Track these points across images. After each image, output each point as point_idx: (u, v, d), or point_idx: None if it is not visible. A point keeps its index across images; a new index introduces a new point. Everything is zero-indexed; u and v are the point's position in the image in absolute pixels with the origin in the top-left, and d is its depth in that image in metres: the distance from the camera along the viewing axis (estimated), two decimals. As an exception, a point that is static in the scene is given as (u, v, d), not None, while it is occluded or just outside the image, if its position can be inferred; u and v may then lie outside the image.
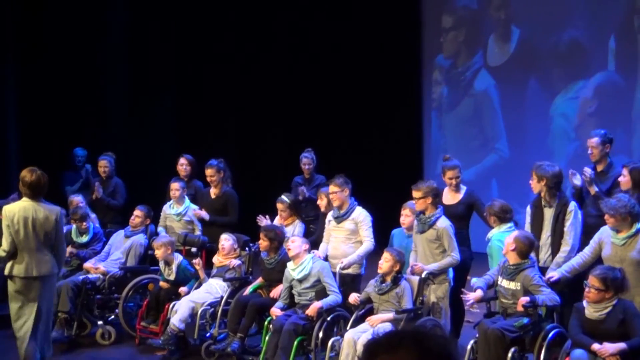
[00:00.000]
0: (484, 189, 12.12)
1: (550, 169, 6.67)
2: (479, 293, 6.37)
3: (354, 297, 6.72)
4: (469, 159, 12.19)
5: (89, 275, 8.09)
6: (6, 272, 6.38)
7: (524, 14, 12.28)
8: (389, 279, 6.61)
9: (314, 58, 12.79)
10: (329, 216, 7.51)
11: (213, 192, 8.58)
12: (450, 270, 6.89)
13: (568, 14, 11.80)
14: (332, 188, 7.38)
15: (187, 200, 8.68)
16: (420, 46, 13.06)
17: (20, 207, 6.31)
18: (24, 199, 6.37)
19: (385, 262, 6.61)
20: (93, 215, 9.06)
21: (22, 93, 11.41)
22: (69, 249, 8.35)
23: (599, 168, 7.37)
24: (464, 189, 7.51)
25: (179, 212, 8.63)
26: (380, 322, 6.45)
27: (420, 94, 12.93)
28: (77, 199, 9.07)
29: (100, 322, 8.00)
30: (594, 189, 7.07)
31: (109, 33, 12.24)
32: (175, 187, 8.60)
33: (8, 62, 11.11)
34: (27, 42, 11.27)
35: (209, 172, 8.51)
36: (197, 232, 8.50)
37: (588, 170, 7.09)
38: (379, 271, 6.66)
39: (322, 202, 7.84)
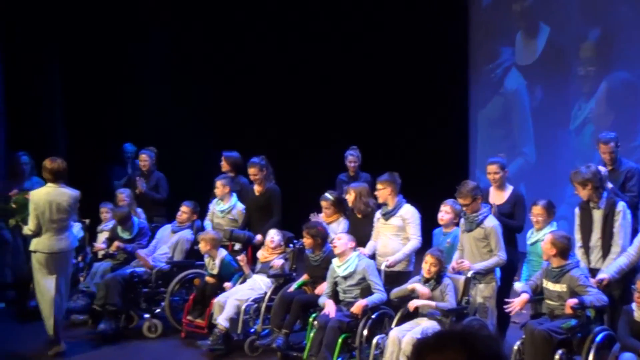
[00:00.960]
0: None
1: (588, 171, 6.59)
2: (524, 297, 6.31)
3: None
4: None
5: (137, 269, 8.19)
6: (32, 247, 7.26)
7: (553, 10, 11.87)
8: (432, 278, 6.60)
9: (360, 54, 12.76)
10: (378, 214, 7.51)
11: (257, 189, 8.61)
12: (497, 270, 6.86)
13: (599, 9, 11.36)
14: (378, 185, 7.38)
15: (234, 197, 8.69)
16: (466, 39, 12.90)
17: (45, 192, 7.23)
18: (48, 184, 7.25)
19: (432, 266, 6.57)
20: (139, 210, 9.17)
21: (67, 90, 11.55)
22: (116, 244, 8.48)
23: (609, 166, 7.41)
24: (510, 188, 7.44)
25: (224, 209, 8.67)
26: (421, 305, 6.42)
27: (466, 91, 12.79)
28: (123, 195, 9.17)
29: (147, 315, 8.10)
30: (609, 186, 7.00)
31: (150, 32, 12.35)
32: (217, 184, 8.64)
33: (54, 61, 11.26)
34: (71, 40, 11.41)
35: (251, 170, 8.55)
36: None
37: (602, 169, 7.04)
38: (427, 275, 6.63)
39: (349, 197, 7.82)
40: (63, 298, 7.42)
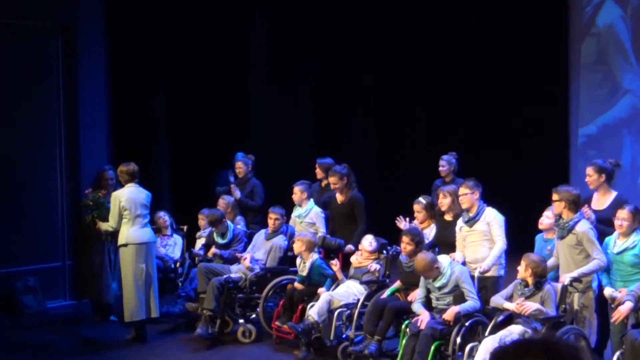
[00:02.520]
0: (614, 144, 11.25)
1: None
2: (628, 305, 6.07)
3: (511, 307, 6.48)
4: (593, 111, 11.41)
5: (232, 275, 8.31)
6: (122, 242, 8.02)
7: None
8: (530, 284, 6.40)
9: (454, 59, 12.60)
10: (459, 222, 7.37)
11: (339, 198, 8.61)
12: (596, 277, 6.61)
13: None
14: (462, 190, 7.28)
15: (310, 202, 8.73)
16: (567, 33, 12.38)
17: (128, 191, 8.06)
18: (127, 185, 8.07)
19: (529, 269, 6.41)
20: (239, 217, 9.28)
21: (171, 98, 11.83)
22: (212, 249, 8.63)
23: None
24: (613, 193, 7.16)
25: (300, 213, 8.72)
26: (530, 310, 6.24)
27: (566, 95, 12.35)
28: (223, 201, 9.28)
29: (241, 321, 8.21)
30: None
31: (252, 40, 12.52)
32: (295, 190, 8.69)
33: (158, 72, 11.57)
34: (174, 51, 11.68)
35: (332, 179, 8.55)
36: (320, 233, 8.49)
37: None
38: (518, 276, 6.49)
39: (445, 200, 7.68)
40: (155, 290, 8.13)
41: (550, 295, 6.34)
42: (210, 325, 8.09)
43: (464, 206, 7.28)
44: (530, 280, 6.41)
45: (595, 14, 11.47)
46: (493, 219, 7.19)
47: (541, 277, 6.41)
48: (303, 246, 8.00)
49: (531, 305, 6.25)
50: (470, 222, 7.24)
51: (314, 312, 7.48)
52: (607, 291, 6.45)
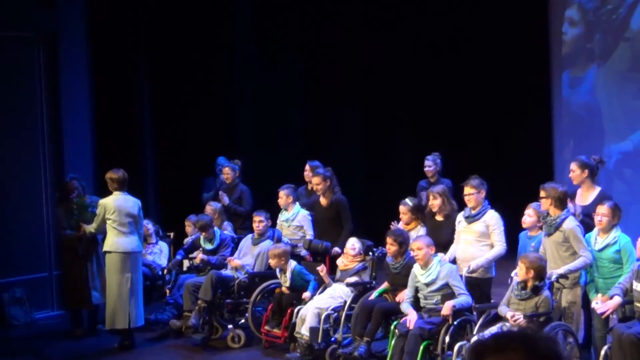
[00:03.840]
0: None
1: None
2: (616, 300, 6.10)
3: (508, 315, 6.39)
4: (630, 123, 10.13)
5: (223, 272, 8.31)
6: (106, 248, 8.06)
7: None
8: (528, 287, 6.38)
9: (439, 56, 12.60)
10: (460, 216, 7.39)
11: (322, 201, 8.66)
12: (583, 274, 6.64)
13: None
14: (467, 189, 7.26)
15: (296, 205, 8.77)
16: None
17: (113, 199, 8.03)
18: (115, 192, 8.03)
19: (519, 269, 6.40)
20: (226, 223, 9.27)
21: (156, 105, 11.81)
22: (200, 256, 8.62)
23: None
24: (597, 188, 7.22)
25: (287, 217, 8.75)
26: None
27: (549, 94, 12.34)
28: (210, 208, 9.26)
29: (230, 326, 8.20)
30: None
31: (236, 42, 12.51)
32: (280, 194, 8.73)
33: (143, 73, 11.55)
34: (158, 57, 11.66)
35: (315, 180, 8.60)
36: (308, 236, 8.54)
37: None
38: (517, 279, 6.46)
39: (436, 202, 7.70)
40: (138, 299, 8.09)
41: (547, 303, 6.28)
42: (201, 329, 8.09)
43: (470, 205, 7.26)
44: (530, 283, 6.35)
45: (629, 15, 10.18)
46: (494, 223, 7.17)
47: (542, 276, 6.37)
48: (281, 260, 7.98)
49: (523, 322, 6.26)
50: (470, 219, 7.25)
51: (306, 329, 7.45)
52: (593, 303, 6.40)
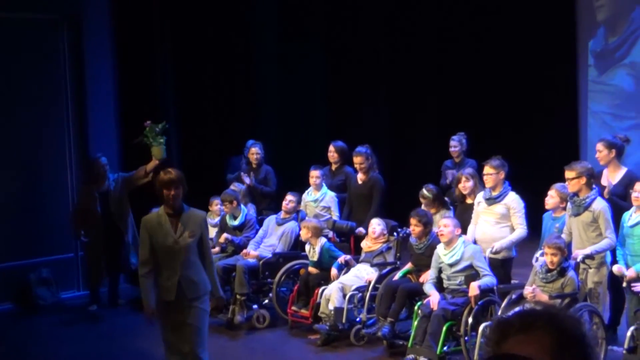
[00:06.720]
0: None
1: None
2: None
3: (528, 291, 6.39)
4: None
5: (249, 260, 8.32)
6: None
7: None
8: (555, 270, 6.36)
9: (465, 40, 12.51)
10: (479, 197, 7.33)
11: (360, 178, 8.63)
12: (609, 254, 6.59)
13: None
14: (487, 169, 7.21)
15: (324, 187, 8.76)
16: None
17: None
18: None
19: (554, 257, 6.33)
20: (249, 205, 9.28)
21: (180, 86, 11.80)
22: (224, 235, 8.64)
23: None
24: (624, 168, 7.14)
25: (316, 198, 8.73)
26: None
27: (575, 70, 12.20)
28: (234, 188, 9.27)
29: (255, 306, 8.22)
30: None
31: (261, 26, 12.47)
32: (314, 174, 8.69)
33: (167, 60, 11.54)
34: (182, 39, 11.63)
35: (357, 159, 8.56)
36: (334, 217, 8.55)
37: None
38: (550, 267, 6.39)
39: (468, 184, 7.66)
40: None
41: (573, 284, 6.28)
42: (224, 312, 8.10)
43: (488, 185, 7.21)
44: (557, 266, 6.33)
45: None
46: (515, 205, 7.13)
47: (566, 257, 6.35)
48: (309, 232, 8.01)
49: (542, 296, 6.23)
50: (490, 200, 7.19)
51: (332, 306, 7.47)
52: (616, 268, 6.42)
